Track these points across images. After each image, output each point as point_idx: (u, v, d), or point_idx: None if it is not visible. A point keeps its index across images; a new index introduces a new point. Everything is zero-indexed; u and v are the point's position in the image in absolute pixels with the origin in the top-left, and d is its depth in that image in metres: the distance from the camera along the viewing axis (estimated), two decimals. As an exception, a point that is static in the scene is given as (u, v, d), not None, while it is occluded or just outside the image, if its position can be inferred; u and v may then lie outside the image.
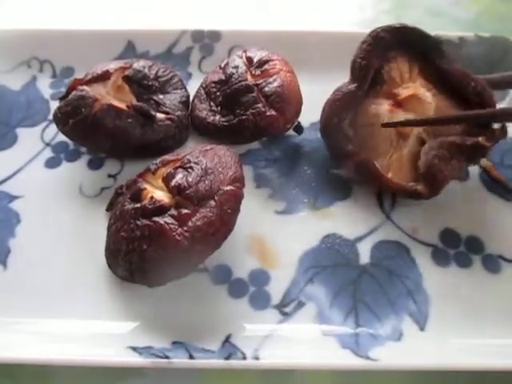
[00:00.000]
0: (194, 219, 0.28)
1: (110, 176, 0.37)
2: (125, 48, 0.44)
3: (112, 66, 0.38)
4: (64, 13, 0.50)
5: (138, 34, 0.44)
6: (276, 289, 0.31)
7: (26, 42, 0.44)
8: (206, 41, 0.44)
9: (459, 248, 0.33)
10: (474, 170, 0.37)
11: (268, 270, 0.32)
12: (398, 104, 0.35)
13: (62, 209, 0.35)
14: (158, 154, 0.35)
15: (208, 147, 0.33)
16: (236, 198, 0.29)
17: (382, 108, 0.35)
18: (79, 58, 0.44)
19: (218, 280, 0.32)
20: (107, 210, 0.35)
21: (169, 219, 0.29)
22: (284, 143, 0.39)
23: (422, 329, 0.30)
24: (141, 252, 0.29)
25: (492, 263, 0.33)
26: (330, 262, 0.33)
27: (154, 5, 0.50)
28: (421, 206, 0.35)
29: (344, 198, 0.36)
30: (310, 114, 0.40)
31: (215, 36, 0.44)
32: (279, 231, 0.34)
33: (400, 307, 0.31)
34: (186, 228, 0.28)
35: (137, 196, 0.31)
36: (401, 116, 0.34)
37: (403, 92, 0.34)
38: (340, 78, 0.42)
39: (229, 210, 0.29)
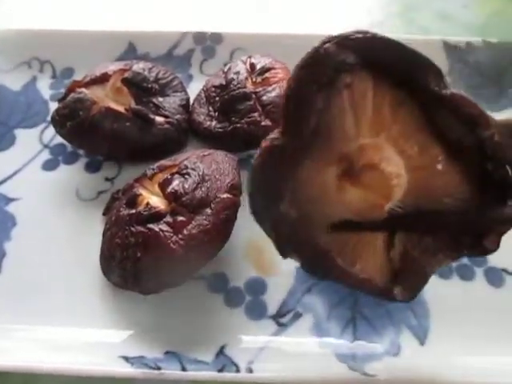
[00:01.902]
0: (189, 227, 0.28)
1: (107, 179, 0.37)
2: (126, 49, 0.44)
3: (111, 67, 0.37)
4: (65, 13, 0.50)
5: (139, 35, 0.44)
6: (273, 298, 0.31)
7: (27, 42, 0.44)
8: (208, 43, 0.44)
9: (462, 260, 0.32)
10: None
11: (265, 278, 0.32)
12: (351, 174, 0.22)
13: (58, 212, 0.35)
14: (156, 158, 0.34)
15: (206, 152, 0.32)
16: (233, 207, 0.29)
17: (329, 177, 0.22)
18: (80, 58, 0.43)
19: (214, 288, 0.31)
20: (104, 214, 0.34)
21: (164, 226, 0.28)
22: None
23: (421, 343, 0.29)
24: (135, 259, 0.28)
25: (495, 276, 0.32)
26: (329, 272, 0.32)
27: (155, 6, 0.50)
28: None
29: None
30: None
31: (217, 38, 0.44)
32: (277, 239, 0.33)
33: (399, 320, 0.30)
34: (181, 236, 0.28)
35: (132, 202, 0.30)
36: (354, 195, 0.23)
37: (356, 156, 0.22)
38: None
39: (225, 219, 0.28)
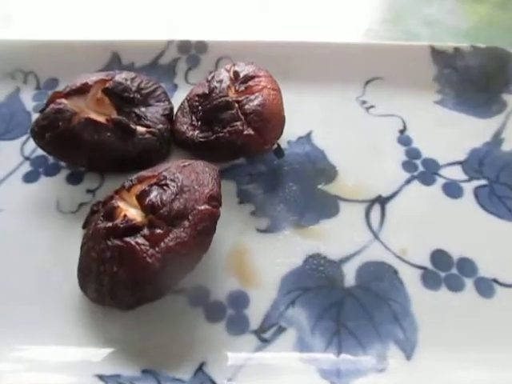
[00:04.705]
0: (166, 240, 0.27)
1: (88, 191, 0.36)
2: (110, 59, 0.43)
3: (93, 78, 0.37)
4: (48, 23, 0.49)
5: (123, 44, 0.43)
6: (255, 312, 0.30)
7: (11, 52, 0.43)
8: (193, 52, 0.43)
9: (451, 270, 0.32)
10: (467, 186, 0.36)
11: (248, 291, 0.31)
12: None
13: (38, 225, 0.34)
14: (138, 169, 0.33)
15: (186, 163, 0.32)
16: (211, 218, 0.28)
17: None
18: (64, 69, 0.43)
19: (194, 302, 0.30)
20: (83, 227, 0.33)
21: (140, 239, 0.27)
22: (269, 158, 0.37)
23: (408, 358, 0.28)
24: (111, 274, 0.27)
25: (485, 287, 0.31)
26: (314, 283, 0.31)
27: (139, 15, 0.49)
28: (411, 225, 0.33)
29: (331, 216, 0.34)
30: (299, 126, 0.39)
31: (202, 47, 0.43)
32: (261, 250, 0.32)
33: (386, 334, 0.29)
34: (157, 249, 0.27)
35: (110, 214, 0.29)
36: None
37: None
38: (331, 90, 0.42)
39: (203, 231, 0.27)
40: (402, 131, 0.39)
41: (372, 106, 0.41)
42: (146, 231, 0.28)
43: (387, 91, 0.42)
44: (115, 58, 0.43)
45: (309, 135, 0.39)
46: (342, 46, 0.43)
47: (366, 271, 0.31)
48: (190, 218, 0.28)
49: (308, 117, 0.40)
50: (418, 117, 0.40)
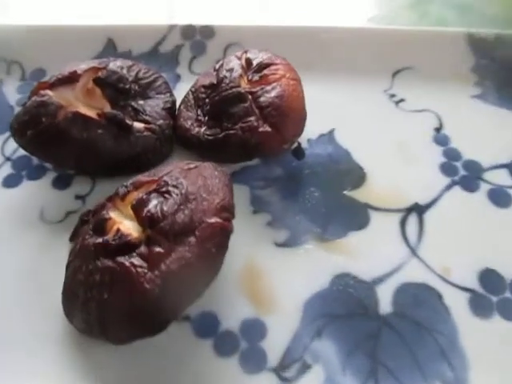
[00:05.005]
0: (168, 261, 0.22)
1: (77, 198, 0.31)
2: (104, 46, 0.39)
3: (83, 66, 0.32)
4: (35, 7, 0.44)
5: (119, 30, 0.39)
6: (274, 345, 0.25)
7: (-7, 40, 0.39)
8: (198, 38, 0.38)
9: (504, 293, 0.27)
10: (517, 193, 0.31)
11: (264, 319, 0.26)
12: None
13: (18, 237, 0.29)
14: (135, 172, 0.29)
15: (192, 165, 0.27)
16: (223, 233, 0.23)
17: None
18: (52, 58, 0.38)
19: (201, 332, 0.25)
20: (70, 240, 0.28)
21: (137, 260, 0.22)
22: (287, 159, 0.32)
23: (461, 405, 0.23)
24: (100, 301, 0.23)
25: (546, 314, 0.26)
26: (343, 309, 0.26)
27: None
28: (455, 240, 0.29)
29: (360, 228, 0.29)
30: (319, 123, 0.34)
31: (208, 32, 0.38)
32: (279, 269, 0.28)
33: (431, 373, 0.24)
34: (157, 272, 0.22)
35: (100, 227, 0.25)
36: None
37: None
38: (355, 81, 0.37)
39: (213, 249, 0.23)
40: (437, 129, 0.34)
41: (402, 100, 0.36)
42: (143, 249, 0.23)
43: (418, 83, 0.37)
44: (110, 45, 0.39)
45: (331, 133, 0.34)
46: (367, 31, 0.38)
47: (404, 295, 0.27)
48: (197, 233, 0.23)
49: (330, 112, 0.35)
50: (455, 113, 0.35)
